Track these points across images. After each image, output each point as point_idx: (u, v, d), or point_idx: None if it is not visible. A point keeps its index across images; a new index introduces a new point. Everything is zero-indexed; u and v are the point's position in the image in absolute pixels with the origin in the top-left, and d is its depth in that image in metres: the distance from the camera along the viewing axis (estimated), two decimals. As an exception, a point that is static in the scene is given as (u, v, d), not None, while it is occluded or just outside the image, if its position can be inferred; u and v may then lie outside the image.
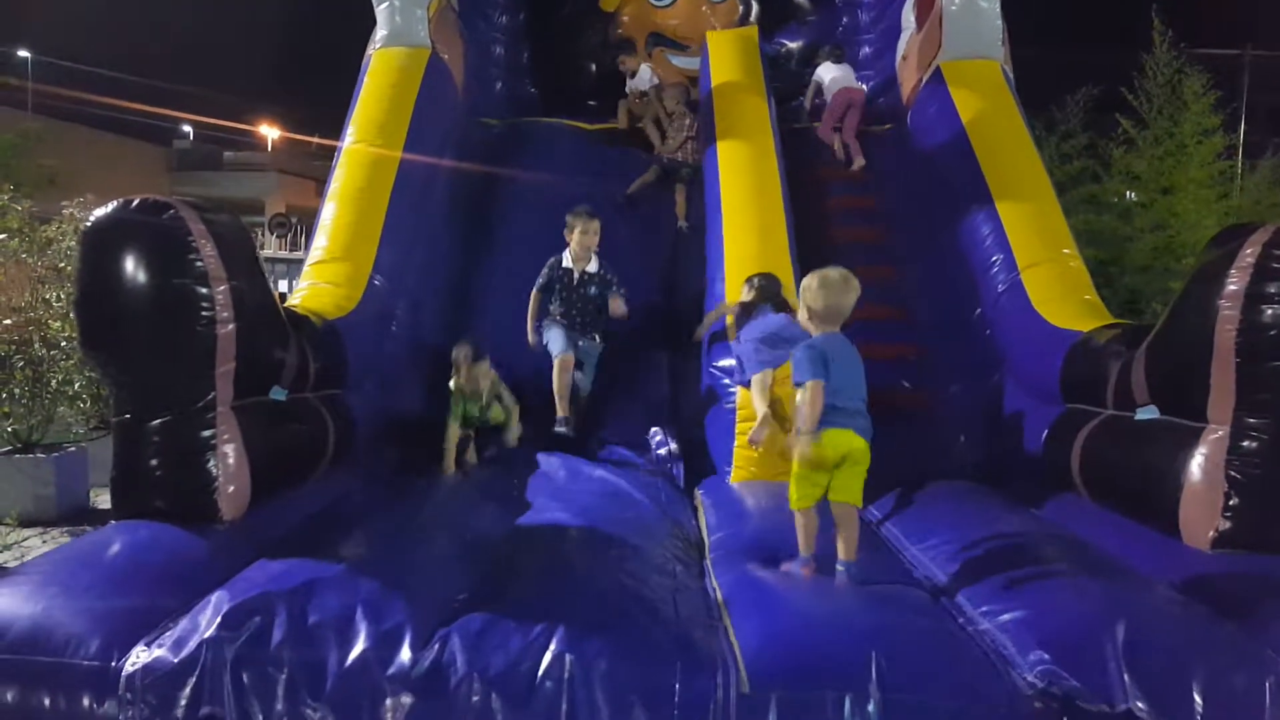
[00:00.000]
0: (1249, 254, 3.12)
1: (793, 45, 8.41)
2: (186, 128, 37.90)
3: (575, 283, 5.32)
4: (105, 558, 2.95)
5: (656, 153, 6.98)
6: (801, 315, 3.31)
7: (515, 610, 2.63)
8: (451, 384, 4.79)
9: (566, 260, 5.34)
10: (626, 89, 7.55)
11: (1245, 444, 3.15)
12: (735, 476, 4.48)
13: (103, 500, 5.63)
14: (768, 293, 4.71)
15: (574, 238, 5.30)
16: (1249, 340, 3.10)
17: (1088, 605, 2.78)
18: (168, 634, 2.57)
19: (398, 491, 4.14)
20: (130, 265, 3.18)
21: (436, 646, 2.51)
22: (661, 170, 6.87)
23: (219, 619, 2.55)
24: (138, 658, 2.52)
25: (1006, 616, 2.78)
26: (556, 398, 5.07)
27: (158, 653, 2.52)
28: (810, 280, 3.23)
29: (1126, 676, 2.42)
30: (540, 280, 5.36)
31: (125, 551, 2.99)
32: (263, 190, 34.02)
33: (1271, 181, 12.01)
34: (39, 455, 5.55)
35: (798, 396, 3.12)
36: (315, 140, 33.50)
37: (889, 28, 7.79)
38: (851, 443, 3.07)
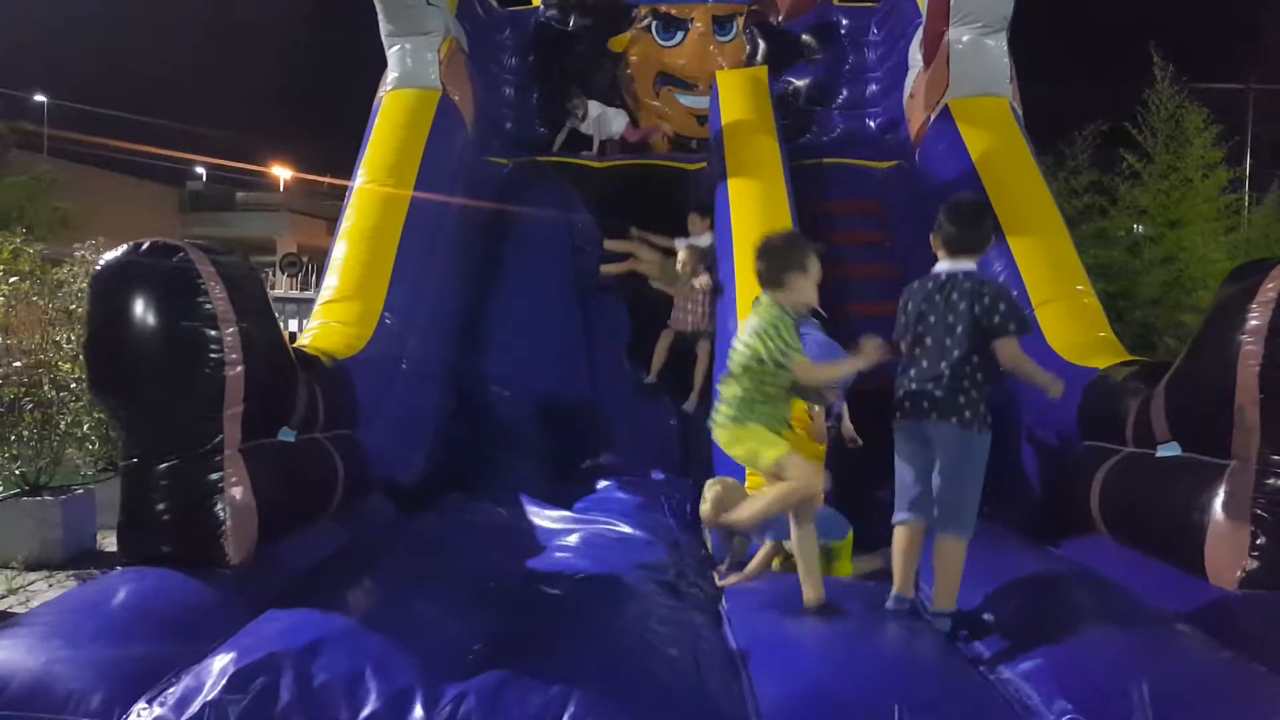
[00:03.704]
0: (1270, 288, 3.08)
1: (799, 83, 8.44)
2: (199, 169, 38.35)
3: None
4: (109, 606, 2.89)
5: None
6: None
7: (532, 667, 2.56)
8: None
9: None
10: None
11: (1271, 481, 3.08)
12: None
13: (110, 543, 5.59)
14: None
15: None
16: (1273, 375, 3.05)
17: (1112, 652, 2.70)
18: (170, 691, 2.51)
19: (409, 534, 4.08)
20: (140, 308, 3.16)
21: (449, 707, 2.43)
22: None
23: (224, 680, 2.47)
24: (139, 715, 2.45)
25: (1028, 665, 2.70)
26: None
27: (159, 711, 2.44)
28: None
29: (1154, 727, 2.34)
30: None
31: (130, 600, 2.93)
32: (274, 230, 34.27)
33: (1278, 213, 11.99)
34: (46, 498, 5.52)
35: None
36: (327, 180, 33.88)
37: (896, 65, 7.82)
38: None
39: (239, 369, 3.30)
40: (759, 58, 8.36)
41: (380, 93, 6.59)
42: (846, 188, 7.19)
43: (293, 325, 15.23)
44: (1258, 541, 3.09)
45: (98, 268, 3.30)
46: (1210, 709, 2.40)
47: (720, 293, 5.45)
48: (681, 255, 5.93)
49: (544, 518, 4.45)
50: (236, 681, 2.47)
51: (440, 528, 4.21)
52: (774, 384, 3.27)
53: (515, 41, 8.42)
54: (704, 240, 6.14)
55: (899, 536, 3.22)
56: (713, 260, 5.83)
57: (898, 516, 3.24)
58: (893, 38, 7.96)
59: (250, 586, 3.17)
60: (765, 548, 3.82)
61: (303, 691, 2.46)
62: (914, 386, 3.21)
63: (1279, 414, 3.06)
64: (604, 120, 7.90)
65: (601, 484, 4.95)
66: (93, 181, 26.48)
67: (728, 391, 3.34)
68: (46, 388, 5.64)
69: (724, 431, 3.35)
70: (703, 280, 5.74)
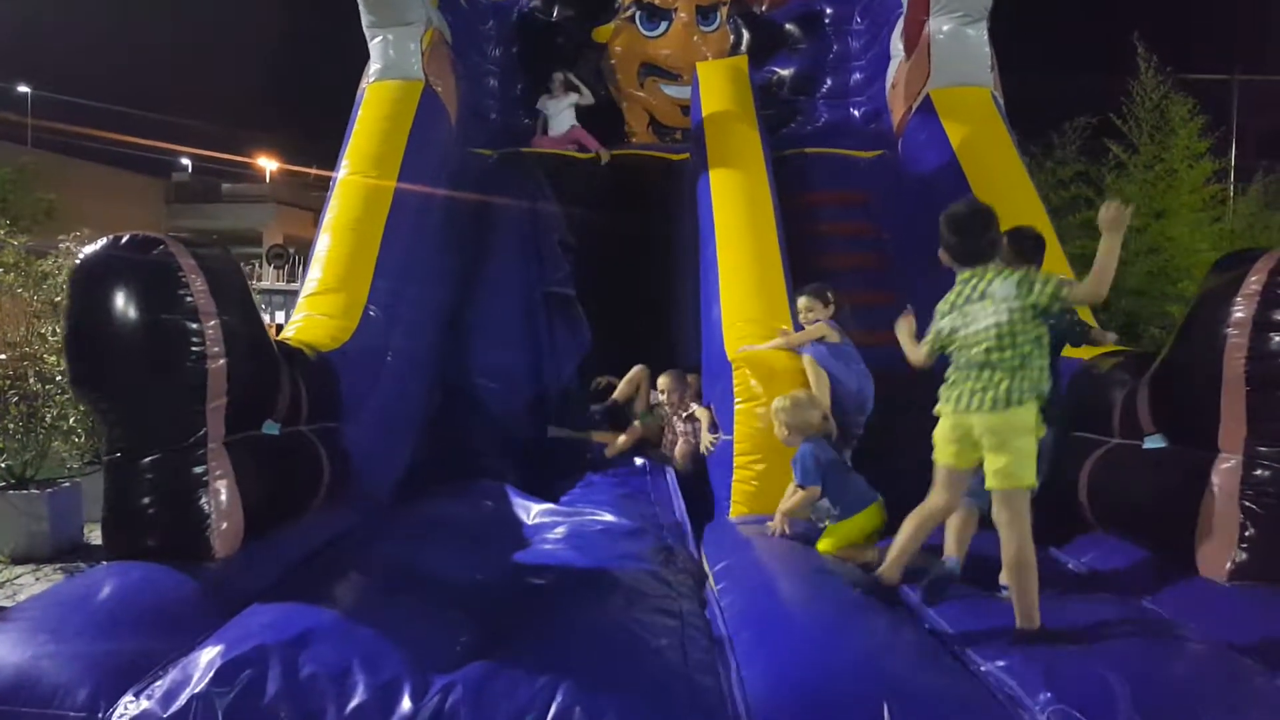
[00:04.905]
0: (1255, 280, 3.09)
1: (784, 73, 8.42)
2: (184, 160, 38.05)
3: None
4: (95, 600, 2.88)
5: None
6: (780, 432, 3.97)
7: (519, 658, 2.55)
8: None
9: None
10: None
11: (1259, 473, 3.10)
12: (734, 511, 4.41)
13: (96, 536, 5.56)
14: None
15: None
16: (1259, 368, 3.06)
17: (1097, 643, 2.72)
18: (157, 684, 2.49)
19: (394, 527, 4.07)
20: (120, 302, 3.14)
21: (437, 698, 2.42)
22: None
23: (211, 673, 2.46)
24: (126, 709, 2.44)
25: (1013, 656, 2.71)
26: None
27: (145, 705, 2.43)
28: (783, 402, 3.97)
29: (1138, 717, 2.34)
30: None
31: (116, 594, 2.92)
32: (261, 221, 34.03)
33: (1262, 204, 12.07)
34: (32, 491, 5.49)
35: (796, 494, 3.89)
36: (313, 171, 33.73)
37: (879, 54, 7.81)
38: (873, 519, 3.79)
39: (221, 362, 3.28)
40: (743, 47, 8.34)
41: (363, 84, 6.54)
42: (830, 178, 7.16)
43: (279, 317, 15.16)
44: (1246, 533, 3.10)
45: (76, 262, 3.27)
46: (1192, 698, 2.41)
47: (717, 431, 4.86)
48: (663, 382, 5.51)
49: (530, 510, 4.45)
50: (223, 674, 2.46)
51: (426, 520, 4.20)
52: (1029, 340, 2.92)
53: (499, 32, 8.36)
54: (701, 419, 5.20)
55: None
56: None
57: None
58: (876, 26, 7.95)
59: (236, 580, 3.16)
60: (796, 493, 3.82)
61: (290, 684, 2.45)
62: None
63: (1265, 406, 3.08)
64: (553, 112, 7.72)
65: (587, 476, 4.96)
66: (77, 173, 26.28)
67: (986, 368, 2.94)
68: (32, 380, 5.60)
69: (997, 418, 2.88)
70: (705, 414, 5.06)
